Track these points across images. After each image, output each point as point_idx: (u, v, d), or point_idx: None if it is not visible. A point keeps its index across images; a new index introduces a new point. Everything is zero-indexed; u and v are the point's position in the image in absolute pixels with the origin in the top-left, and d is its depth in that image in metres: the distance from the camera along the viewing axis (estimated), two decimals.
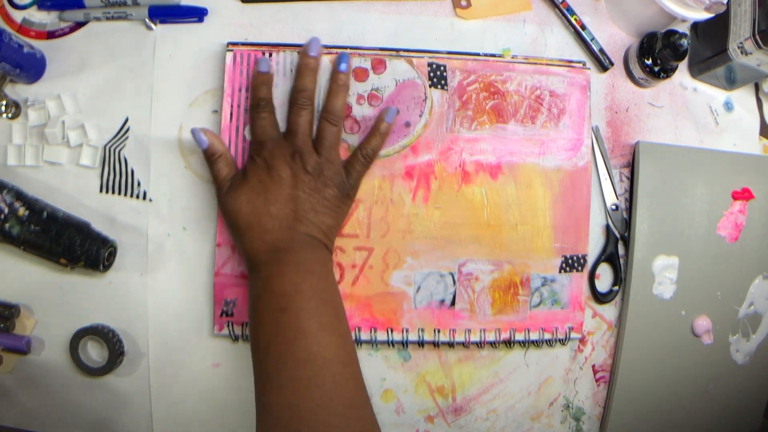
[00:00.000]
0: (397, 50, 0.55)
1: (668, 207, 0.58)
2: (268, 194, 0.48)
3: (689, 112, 0.61)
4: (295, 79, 0.51)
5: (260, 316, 0.44)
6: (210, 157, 0.50)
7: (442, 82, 0.55)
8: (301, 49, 0.52)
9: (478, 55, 0.56)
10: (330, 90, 0.52)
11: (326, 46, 0.54)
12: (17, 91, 0.54)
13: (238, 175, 0.50)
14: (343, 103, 0.51)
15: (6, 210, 0.49)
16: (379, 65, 0.54)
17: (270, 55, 0.53)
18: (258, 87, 0.51)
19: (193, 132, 0.50)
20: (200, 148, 0.50)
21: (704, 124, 0.61)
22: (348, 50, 0.54)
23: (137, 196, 0.54)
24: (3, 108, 0.53)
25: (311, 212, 0.48)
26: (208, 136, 0.50)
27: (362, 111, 0.54)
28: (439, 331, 0.55)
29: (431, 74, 0.55)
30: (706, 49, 0.59)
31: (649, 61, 0.57)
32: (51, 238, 0.50)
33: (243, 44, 0.53)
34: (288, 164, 0.48)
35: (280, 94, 0.53)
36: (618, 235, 0.58)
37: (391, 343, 0.55)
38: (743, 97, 0.62)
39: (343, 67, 0.52)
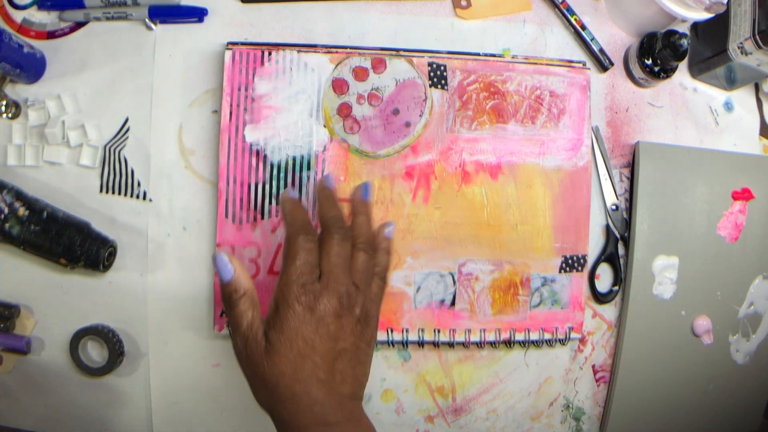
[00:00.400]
0: (397, 50, 0.55)
1: (668, 207, 0.58)
2: (315, 355, 0.39)
3: (689, 112, 0.61)
4: (319, 208, 0.44)
5: None
6: (232, 293, 0.39)
7: (443, 81, 0.55)
8: (318, 184, 0.46)
9: (478, 55, 0.56)
10: (354, 215, 0.44)
11: (326, 46, 0.54)
12: (17, 91, 0.54)
13: (269, 326, 0.39)
14: (369, 225, 0.44)
15: (6, 210, 0.49)
16: (379, 65, 0.54)
17: (269, 54, 0.53)
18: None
19: (216, 259, 0.40)
20: (220, 279, 0.40)
21: (704, 124, 0.61)
22: (348, 50, 0.54)
23: (137, 196, 0.54)
24: (3, 108, 0.53)
25: (358, 366, 0.41)
26: (235, 264, 0.40)
27: (362, 111, 0.54)
28: (439, 331, 0.55)
29: (431, 74, 0.55)
30: (706, 49, 0.59)
31: (649, 61, 0.57)
32: (51, 238, 0.50)
33: (243, 44, 0.53)
34: (338, 314, 0.39)
35: (279, 95, 0.53)
36: (618, 235, 0.58)
37: (391, 343, 0.55)
38: (743, 97, 0.62)
39: (365, 195, 0.45)
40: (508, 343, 0.56)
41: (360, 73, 0.54)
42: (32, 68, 0.53)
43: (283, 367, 0.38)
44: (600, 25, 0.60)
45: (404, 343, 0.55)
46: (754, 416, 0.61)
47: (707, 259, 0.58)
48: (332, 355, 0.39)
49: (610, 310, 0.59)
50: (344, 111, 0.54)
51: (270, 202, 0.53)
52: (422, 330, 0.54)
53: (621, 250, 0.59)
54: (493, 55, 0.56)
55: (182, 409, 0.54)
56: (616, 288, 0.58)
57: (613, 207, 0.58)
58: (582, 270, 0.56)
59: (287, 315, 0.39)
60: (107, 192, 0.54)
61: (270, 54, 0.53)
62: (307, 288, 0.39)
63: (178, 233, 0.54)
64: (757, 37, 0.52)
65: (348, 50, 0.54)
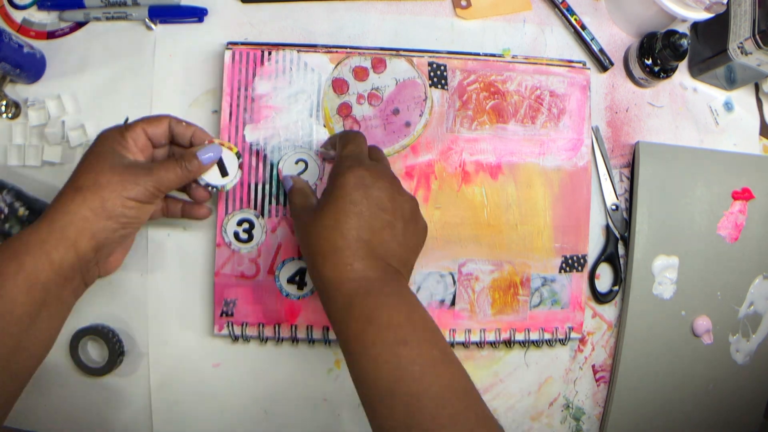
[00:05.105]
0: (397, 50, 0.55)
1: (668, 207, 0.58)
2: (360, 216, 0.41)
3: (689, 112, 0.61)
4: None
5: (374, 353, 0.37)
6: (289, 194, 0.48)
7: (443, 81, 0.55)
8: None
9: (478, 55, 0.56)
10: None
11: (326, 46, 0.54)
12: (17, 91, 0.54)
13: (323, 195, 0.43)
14: None
15: (6, 210, 0.49)
16: (379, 64, 0.54)
17: (269, 54, 0.53)
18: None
19: (283, 179, 0.51)
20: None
21: (704, 124, 0.61)
22: (348, 50, 0.54)
23: None
24: (3, 108, 0.53)
25: (404, 246, 0.43)
26: (294, 179, 0.50)
27: (362, 111, 0.54)
28: None
29: (431, 74, 0.55)
30: (706, 49, 0.59)
31: (649, 61, 0.57)
32: None
33: (243, 44, 0.53)
34: (389, 188, 0.42)
35: (279, 95, 0.53)
36: (618, 235, 0.58)
37: None
38: (743, 97, 0.62)
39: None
40: (508, 343, 0.56)
41: (360, 73, 0.54)
42: (32, 68, 0.53)
43: (327, 220, 0.40)
44: (600, 25, 0.60)
45: None
46: (754, 416, 0.61)
47: (707, 259, 0.58)
48: (379, 222, 0.41)
49: (610, 310, 0.59)
50: (344, 111, 0.54)
51: (270, 202, 0.53)
52: None
53: (621, 250, 0.59)
54: (493, 55, 0.56)
55: (182, 409, 0.54)
56: (616, 288, 0.58)
57: (613, 207, 0.58)
58: (582, 270, 0.56)
59: (338, 181, 0.41)
60: None
61: (270, 54, 0.53)
62: (363, 161, 0.42)
63: (178, 233, 0.54)
64: (757, 37, 0.52)
65: (348, 50, 0.54)
